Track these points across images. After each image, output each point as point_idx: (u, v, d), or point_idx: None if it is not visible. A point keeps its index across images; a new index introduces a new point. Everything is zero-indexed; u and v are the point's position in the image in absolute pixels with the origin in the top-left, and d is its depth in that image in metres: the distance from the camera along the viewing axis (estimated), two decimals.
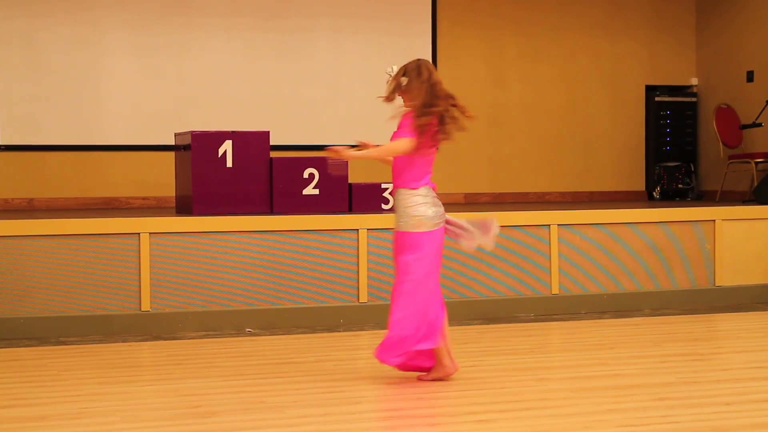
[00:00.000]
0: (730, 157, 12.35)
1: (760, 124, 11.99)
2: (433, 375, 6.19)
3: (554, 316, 9.05)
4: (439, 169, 6.45)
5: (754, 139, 12.46)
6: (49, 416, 5.34)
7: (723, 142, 12.44)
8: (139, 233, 8.32)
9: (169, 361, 7.18)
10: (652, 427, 5.05)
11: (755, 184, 11.54)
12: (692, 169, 13.15)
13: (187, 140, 8.99)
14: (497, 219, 6.23)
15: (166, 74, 11.66)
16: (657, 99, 13.21)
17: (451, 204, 12.31)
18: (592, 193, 13.08)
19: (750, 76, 12.59)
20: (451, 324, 8.56)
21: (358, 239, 8.76)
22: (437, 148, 6.16)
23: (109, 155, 11.51)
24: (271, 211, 8.98)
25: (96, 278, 8.24)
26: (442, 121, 6.05)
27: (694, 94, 13.32)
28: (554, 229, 9.30)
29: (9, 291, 8.07)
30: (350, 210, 9.12)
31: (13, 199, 11.19)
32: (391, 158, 6.20)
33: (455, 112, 6.09)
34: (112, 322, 8.21)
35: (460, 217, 6.26)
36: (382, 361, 6.15)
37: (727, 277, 9.82)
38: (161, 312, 8.34)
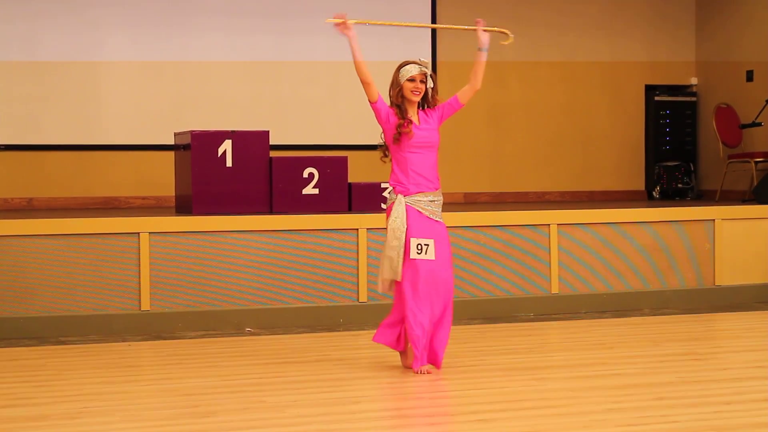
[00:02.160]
0: (730, 157, 12.35)
1: (759, 124, 11.99)
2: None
3: (554, 316, 9.06)
4: (438, 168, 6.48)
5: (753, 138, 12.46)
6: (49, 416, 5.34)
7: (723, 142, 12.44)
8: (138, 233, 8.33)
9: (168, 360, 7.18)
10: (651, 427, 5.06)
11: (755, 183, 11.53)
12: (692, 168, 13.15)
13: (187, 140, 8.99)
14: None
15: (166, 74, 11.66)
16: (656, 98, 13.21)
17: (450, 203, 12.30)
18: (591, 192, 13.08)
19: (749, 76, 12.59)
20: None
21: (357, 239, 8.76)
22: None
23: (109, 155, 11.51)
24: (271, 210, 8.98)
25: (96, 278, 8.25)
26: None
27: (694, 94, 13.32)
28: (554, 228, 9.31)
29: (9, 291, 8.07)
30: (350, 210, 9.13)
31: (12, 199, 11.19)
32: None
33: None
34: (112, 322, 8.21)
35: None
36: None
37: (726, 277, 9.82)
38: (161, 312, 8.35)
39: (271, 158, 9.05)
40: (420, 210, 6.34)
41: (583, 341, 7.85)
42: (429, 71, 6.46)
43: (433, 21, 12.31)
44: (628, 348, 7.40)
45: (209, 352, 7.30)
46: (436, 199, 6.41)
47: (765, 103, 11.94)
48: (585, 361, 6.85)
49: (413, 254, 6.28)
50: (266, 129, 9.25)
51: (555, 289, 9.29)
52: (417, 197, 6.35)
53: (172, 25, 11.66)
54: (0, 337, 7.90)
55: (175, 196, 9.63)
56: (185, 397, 5.81)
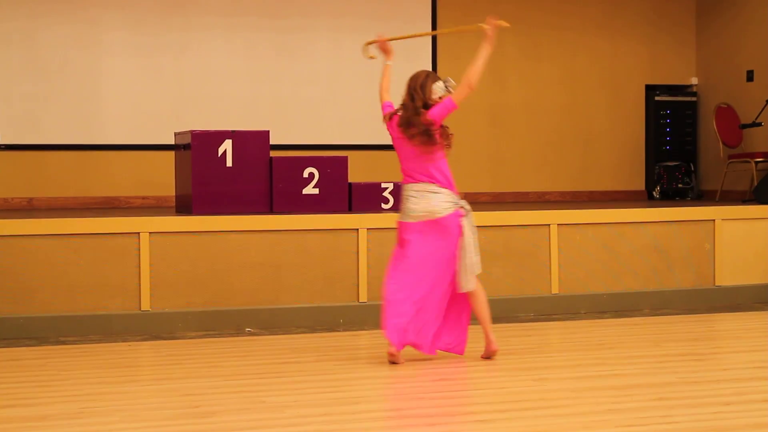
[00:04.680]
0: (730, 157, 12.35)
1: (759, 124, 11.99)
2: None
3: (554, 316, 9.05)
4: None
5: (753, 138, 12.47)
6: (49, 416, 5.34)
7: (723, 142, 12.44)
8: (138, 233, 8.32)
9: (168, 361, 7.18)
10: (651, 427, 5.06)
11: (755, 183, 11.54)
12: (692, 168, 13.16)
13: (187, 140, 8.99)
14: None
15: (166, 74, 11.66)
16: (657, 98, 13.21)
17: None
18: (591, 192, 13.08)
19: (750, 76, 12.60)
20: None
21: (357, 239, 8.75)
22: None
23: (109, 155, 11.51)
24: (271, 210, 8.98)
25: (96, 278, 8.24)
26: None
27: (694, 94, 13.33)
28: (554, 228, 9.30)
29: (9, 291, 8.07)
30: (350, 210, 9.12)
31: (12, 199, 11.19)
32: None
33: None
34: (112, 322, 8.21)
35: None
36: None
37: (726, 277, 9.82)
38: (161, 312, 8.34)
39: (271, 158, 9.04)
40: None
41: (583, 341, 7.85)
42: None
43: (434, 21, 12.32)
44: (628, 348, 7.40)
45: (209, 352, 7.30)
46: None
47: (765, 103, 11.95)
48: (585, 362, 6.85)
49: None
50: (266, 129, 9.25)
51: (555, 289, 9.29)
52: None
53: (172, 25, 11.67)
54: (0, 337, 7.90)
55: (175, 196, 9.62)
56: (185, 397, 5.81)
